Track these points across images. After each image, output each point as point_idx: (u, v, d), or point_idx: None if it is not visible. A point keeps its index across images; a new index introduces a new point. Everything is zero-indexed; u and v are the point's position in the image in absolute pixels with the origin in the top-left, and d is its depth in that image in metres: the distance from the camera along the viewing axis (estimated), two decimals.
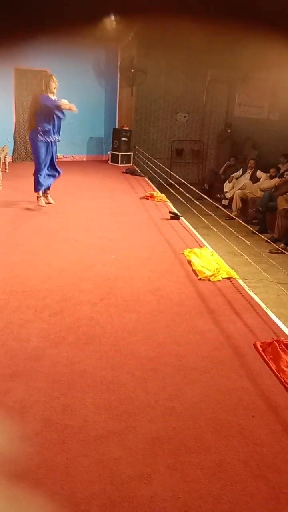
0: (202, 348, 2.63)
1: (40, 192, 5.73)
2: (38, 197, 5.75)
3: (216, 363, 2.48)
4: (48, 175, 5.75)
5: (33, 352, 2.49)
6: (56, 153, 5.79)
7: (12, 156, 9.62)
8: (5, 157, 8.27)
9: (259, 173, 9.01)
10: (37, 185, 5.64)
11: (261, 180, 8.86)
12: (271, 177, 8.64)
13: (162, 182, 7.53)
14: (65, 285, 3.41)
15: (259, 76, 11.32)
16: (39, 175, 5.59)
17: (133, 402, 2.11)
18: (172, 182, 6.68)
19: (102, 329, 2.79)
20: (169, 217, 5.63)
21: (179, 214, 5.73)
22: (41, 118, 5.41)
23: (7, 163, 8.31)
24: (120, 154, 9.85)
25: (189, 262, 4.03)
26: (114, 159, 10.02)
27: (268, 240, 5.06)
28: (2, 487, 1.62)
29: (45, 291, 3.29)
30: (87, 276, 3.62)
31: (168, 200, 6.61)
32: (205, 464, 1.77)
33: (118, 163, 9.87)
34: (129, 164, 9.97)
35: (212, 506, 1.58)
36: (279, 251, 5.63)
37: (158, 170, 7.68)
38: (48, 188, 5.94)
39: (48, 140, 5.52)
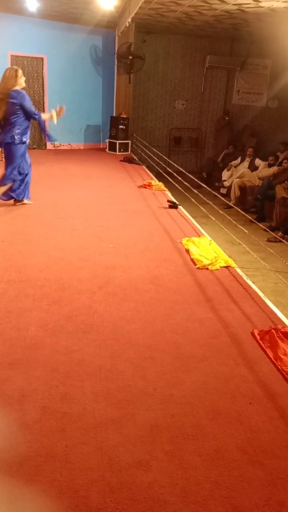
0: (200, 336, 2.64)
1: None
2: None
3: (214, 351, 2.49)
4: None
5: (32, 341, 2.50)
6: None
7: None
8: None
9: (257, 161, 8.97)
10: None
11: (259, 168, 8.82)
12: (270, 165, 8.60)
13: (160, 170, 7.50)
14: (63, 274, 3.41)
15: (258, 62, 11.22)
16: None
17: (132, 390, 2.13)
18: (170, 170, 6.64)
19: (101, 317, 2.79)
20: (167, 206, 5.61)
21: (177, 202, 5.71)
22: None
23: (3, 152, 8.25)
24: (117, 142, 9.77)
25: (187, 251, 4.03)
26: (112, 147, 9.94)
27: (266, 229, 5.06)
28: (2, 474, 1.63)
29: (43, 280, 3.29)
30: (85, 265, 3.62)
31: (166, 189, 6.59)
32: (203, 450, 1.79)
33: (115, 151, 9.80)
34: (127, 153, 9.90)
35: (210, 492, 1.60)
36: (277, 240, 5.62)
37: (156, 159, 7.64)
38: None
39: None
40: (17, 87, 4.82)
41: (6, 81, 4.80)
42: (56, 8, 8.36)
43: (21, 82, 4.87)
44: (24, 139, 5.04)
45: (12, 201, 5.29)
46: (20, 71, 4.86)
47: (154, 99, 11.15)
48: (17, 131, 4.93)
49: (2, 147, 5.18)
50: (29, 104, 4.90)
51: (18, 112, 4.86)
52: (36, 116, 4.99)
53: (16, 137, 4.94)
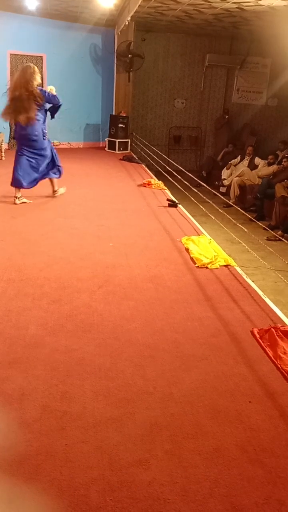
0: (199, 335, 2.64)
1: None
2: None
3: (214, 350, 2.49)
4: None
5: (32, 340, 2.50)
6: None
7: (8, 143, 9.52)
8: (1, 145, 8.19)
9: (257, 160, 8.96)
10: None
11: (259, 167, 8.82)
12: (269, 164, 8.60)
13: (159, 169, 7.49)
14: (63, 273, 3.41)
15: (258, 61, 11.21)
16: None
17: (131, 389, 2.13)
18: (170, 169, 6.64)
19: (100, 316, 2.79)
20: (167, 205, 5.61)
21: (177, 201, 5.71)
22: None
23: (3, 150, 8.23)
24: (117, 141, 9.76)
25: (187, 249, 4.03)
26: (111, 146, 9.93)
27: (266, 228, 5.06)
28: (2, 473, 1.64)
29: (43, 279, 3.29)
30: (85, 264, 3.62)
31: (166, 188, 6.58)
32: (203, 449, 1.79)
33: (115, 150, 9.79)
34: (127, 151, 9.89)
35: (209, 491, 1.61)
36: (277, 239, 5.63)
37: (156, 157, 7.64)
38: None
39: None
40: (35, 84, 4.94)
41: (29, 78, 4.85)
42: (56, 7, 8.35)
43: (38, 78, 4.99)
44: (46, 133, 5.29)
45: (15, 196, 5.33)
46: (36, 68, 4.98)
47: (154, 98, 11.13)
48: (42, 126, 5.16)
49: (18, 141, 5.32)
50: (52, 96, 5.09)
51: (39, 108, 5.04)
52: (61, 102, 5.24)
53: (44, 132, 5.18)
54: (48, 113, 5.30)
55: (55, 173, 5.51)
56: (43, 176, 5.39)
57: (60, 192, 5.74)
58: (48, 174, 5.44)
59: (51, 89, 5.21)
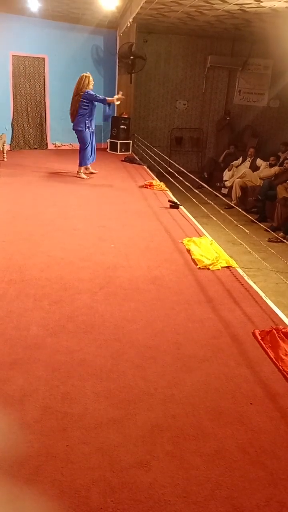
0: (201, 336, 2.64)
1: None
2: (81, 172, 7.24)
3: (215, 351, 2.49)
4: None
5: (33, 340, 2.50)
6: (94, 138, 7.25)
7: (10, 144, 9.54)
8: (3, 146, 8.20)
9: (258, 161, 8.95)
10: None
11: (261, 168, 8.81)
12: (271, 166, 8.59)
13: (161, 170, 7.49)
14: (64, 274, 3.41)
15: (260, 62, 11.21)
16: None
17: (133, 390, 2.13)
18: (171, 170, 6.64)
19: (102, 318, 2.79)
20: (169, 206, 5.61)
21: (178, 202, 5.71)
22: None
23: (5, 152, 8.25)
24: (119, 142, 9.77)
25: (188, 251, 4.03)
26: (113, 147, 9.94)
27: (268, 229, 5.05)
28: (3, 474, 1.64)
29: (44, 280, 3.29)
30: (86, 264, 3.62)
31: (167, 189, 6.58)
32: (204, 451, 1.79)
33: (117, 151, 9.80)
34: (128, 152, 9.89)
35: (210, 492, 1.60)
36: (278, 240, 5.62)
37: (157, 158, 7.64)
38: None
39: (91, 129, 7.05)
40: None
41: (79, 86, 6.80)
42: (58, 8, 8.36)
43: (91, 85, 6.94)
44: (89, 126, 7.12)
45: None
46: (87, 77, 6.93)
47: (156, 99, 11.14)
48: (86, 120, 6.94)
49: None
50: (89, 95, 6.89)
51: (85, 106, 6.86)
52: (99, 98, 6.97)
53: (87, 126, 6.98)
54: (96, 108, 6.95)
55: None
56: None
57: (82, 176, 7.20)
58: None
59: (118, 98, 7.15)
